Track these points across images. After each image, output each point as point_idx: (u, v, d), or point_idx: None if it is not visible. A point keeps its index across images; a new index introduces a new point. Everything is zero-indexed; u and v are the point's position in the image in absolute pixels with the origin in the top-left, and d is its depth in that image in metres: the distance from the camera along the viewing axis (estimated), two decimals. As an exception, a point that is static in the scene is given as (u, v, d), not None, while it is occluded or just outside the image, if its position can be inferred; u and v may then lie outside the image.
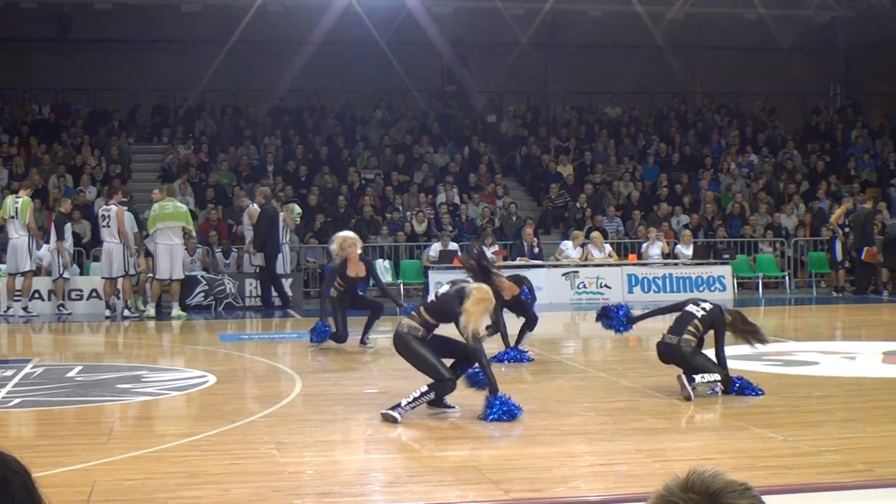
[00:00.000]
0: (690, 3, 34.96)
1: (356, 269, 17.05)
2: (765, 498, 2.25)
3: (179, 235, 23.67)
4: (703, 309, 12.32)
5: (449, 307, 10.81)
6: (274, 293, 25.08)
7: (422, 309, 11.25)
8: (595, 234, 27.94)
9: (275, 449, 9.42)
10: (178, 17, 34.28)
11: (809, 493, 7.88)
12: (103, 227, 23.51)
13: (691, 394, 11.72)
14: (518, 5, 34.77)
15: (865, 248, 27.30)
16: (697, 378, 11.89)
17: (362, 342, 17.25)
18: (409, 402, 10.75)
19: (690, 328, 12.18)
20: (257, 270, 25.35)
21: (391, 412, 10.62)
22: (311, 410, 11.48)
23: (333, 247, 17.14)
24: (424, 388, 10.82)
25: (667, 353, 12.39)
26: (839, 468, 8.55)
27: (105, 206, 23.88)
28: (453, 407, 11.20)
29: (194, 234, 24.33)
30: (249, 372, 15.26)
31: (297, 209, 26.60)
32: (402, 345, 11.12)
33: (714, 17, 37.28)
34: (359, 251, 17.11)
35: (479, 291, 10.80)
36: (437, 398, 11.00)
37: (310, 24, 33.57)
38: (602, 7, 35.30)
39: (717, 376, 12.07)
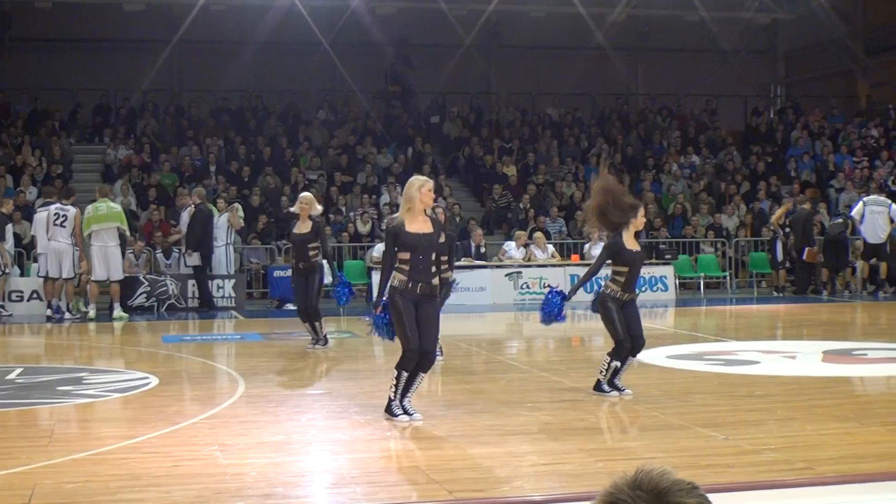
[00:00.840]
0: (633, 5, 35.16)
1: (302, 227, 16.88)
2: (707, 496, 2.27)
3: (115, 237, 23.45)
4: None
5: None
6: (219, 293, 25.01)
7: None
8: (538, 234, 28.01)
9: (217, 451, 9.38)
10: (121, 17, 34.04)
11: (750, 492, 7.94)
12: (57, 226, 23.21)
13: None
14: (461, 6, 34.82)
15: (806, 249, 27.55)
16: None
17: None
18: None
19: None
20: (192, 271, 25.24)
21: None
22: (254, 412, 11.43)
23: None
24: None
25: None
26: (779, 466, 8.62)
27: (61, 206, 23.55)
28: None
29: (128, 233, 24.08)
30: (192, 373, 15.18)
31: (241, 211, 26.51)
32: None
33: (656, 18, 37.54)
34: (311, 212, 16.93)
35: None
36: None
37: (253, 24, 33.49)
38: (545, 9, 35.42)
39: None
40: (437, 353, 12.30)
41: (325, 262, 17.29)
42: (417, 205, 10.62)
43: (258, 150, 32.46)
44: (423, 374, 10.97)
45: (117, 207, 23.96)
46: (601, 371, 12.38)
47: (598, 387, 12.39)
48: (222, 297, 25.45)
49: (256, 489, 8.05)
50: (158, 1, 33.64)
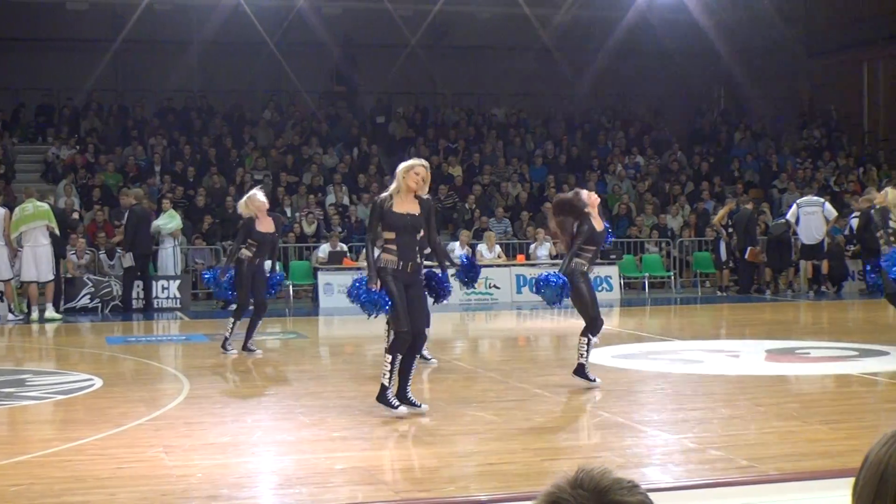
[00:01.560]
0: (577, 6, 35.29)
1: (266, 226, 16.78)
2: (651, 495, 2.30)
3: (46, 236, 23.25)
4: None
5: None
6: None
7: None
8: (488, 233, 28.05)
9: (162, 452, 9.35)
10: (64, 16, 33.80)
11: (694, 490, 8.00)
12: None
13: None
14: (407, 6, 34.81)
15: (749, 248, 27.76)
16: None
17: (246, 348, 16.68)
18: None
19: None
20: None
21: None
22: (199, 413, 11.39)
23: (241, 209, 16.62)
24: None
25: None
26: (723, 465, 8.69)
27: None
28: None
29: (57, 231, 23.77)
30: (136, 374, 15.09)
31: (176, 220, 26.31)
32: None
33: (601, 19, 37.66)
34: (267, 206, 16.86)
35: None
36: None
37: (198, 23, 33.34)
38: (490, 9, 35.49)
39: None
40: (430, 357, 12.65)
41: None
42: (402, 187, 10.86)
43: (203, 150, 32.32)
44: (416, 357, 11.14)
45: (44, 206, 23.57)
46: (581, 354, 12.66)
47: (580, 371, 12.61)
48: (167, 297, 25.32)
49: (202, 491, 8.03)
50: (102, 0, 33.41)
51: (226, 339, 16.64)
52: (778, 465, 8.66)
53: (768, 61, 40.25)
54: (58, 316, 23.16)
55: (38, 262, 23.02)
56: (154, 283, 25.37)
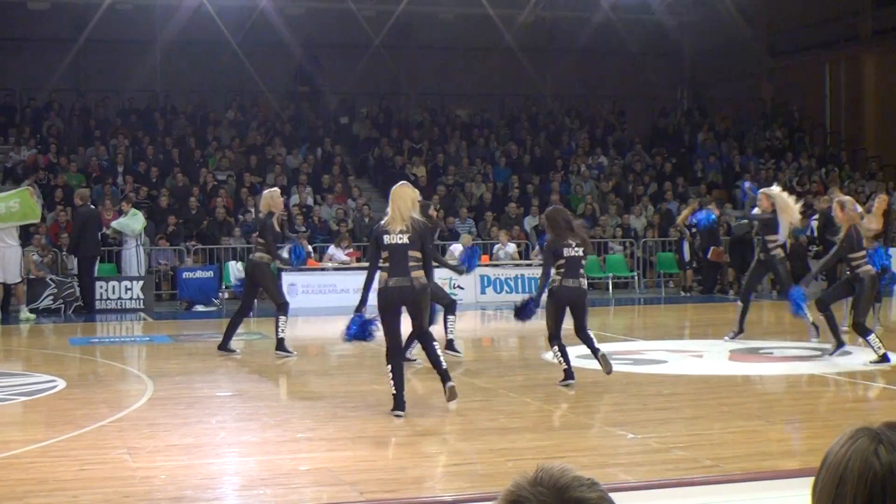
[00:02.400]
0: (541, 7, 35.36)
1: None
2: (615, 495, 2.31)
3: (14, 237, 23.13)
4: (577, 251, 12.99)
5: None
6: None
7: None
8: (465, 236, 28.03)
9: (126, 454, 9.31)
10: (25, 15, 33.57)
11: (658, 490, 8.03)
12: None
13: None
14: (370, 7, 34.78)
15: (711, 248, 27.85)
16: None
17: (227, 348, 16.65)
18: None
19: (582, 271, 13.21)
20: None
21: None
22: (162, 414, 11.34)
23: (262, 206, 16.69)
24: None
25: (576, 296, 13.25)
26: (687, 464, 8.73)
27: None
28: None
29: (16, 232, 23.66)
30: (100, 376, 15.03)
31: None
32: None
33: (564, 20, 37.79)
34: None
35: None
36: None
37: (160, 23, 33.23)
38: (454, 10, 35.51)
39: None
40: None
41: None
42: (395, 212, 11.22)
43: (166, 150, 32.18)
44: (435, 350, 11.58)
45: (15, 206, 23.49)
46: (560, 361, 12.93)
47: (567, 378, 12.86)
48: (131, 298, 25.19)
49: (165, 492, 8.00)
50: (64, -1, 33.27)
51: (281, 340, 16.48)
52: (741, 465, 8.70)
53: (731, 62, 40.50)
54: (32, 316, 23.08)
55: (5, 264, 22.93)
56: (118, 283, 25.23)
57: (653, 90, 39.89)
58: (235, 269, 25.77)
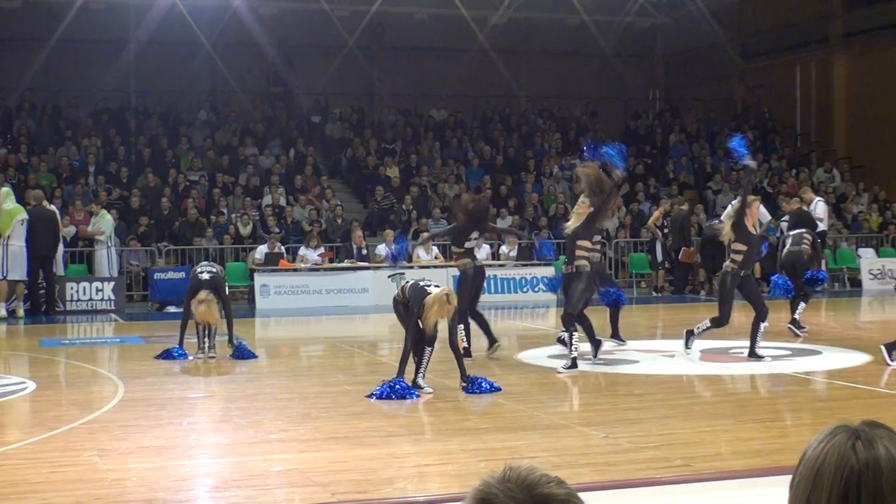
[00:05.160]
0: (514, 8, 35.40)
1: None
2: (587, 494, 2.32)
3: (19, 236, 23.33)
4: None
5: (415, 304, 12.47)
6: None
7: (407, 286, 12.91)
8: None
9: (97, 456, 9.27)
10: (-4, 14, 33.46)
11: (629, 489, 8.05)
12: None
13: None
14: (344, 7, 34.75)
15: (682, 249, 27.95)
16: None
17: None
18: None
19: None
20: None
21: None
22: (134, 416, 11.30)
23: None
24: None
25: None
26: (658, 464, 8.76)
27: None
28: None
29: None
30: (70, 377, 14.97)
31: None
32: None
33: (538, 21, 37.84)
34: None
35: (433, 298, 12.22)
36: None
37: (133, 23, 33.13)
38: (428, 10, 35.52)
39: None
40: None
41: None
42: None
43: (138, 150, 32.08)
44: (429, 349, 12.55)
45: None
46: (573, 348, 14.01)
47: (573, 364, 13.91)
48: (102, 299, 25.10)
49: (137, 494, 7.98)
50: (35, -2, 33.12)
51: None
52: (712, 464, 8.74)
53: (703, 64, 40.64)
54: (3, 314, 23.08)
55: (17, 261, 23.15)
56: (89, 284, 25.13)
57: (625, 92, 40.04)
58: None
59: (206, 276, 15.75)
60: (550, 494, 2.20)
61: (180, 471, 8.91)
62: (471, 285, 15.82)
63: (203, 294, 15.35)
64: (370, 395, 12.07)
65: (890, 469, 2.32)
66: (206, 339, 15.82)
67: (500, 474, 2.26)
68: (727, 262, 15.25)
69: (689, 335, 15.58)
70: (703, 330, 15.50)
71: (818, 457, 2.37)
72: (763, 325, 15.28)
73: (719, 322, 15.31)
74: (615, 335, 17.14)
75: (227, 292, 16.57)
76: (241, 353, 15.88)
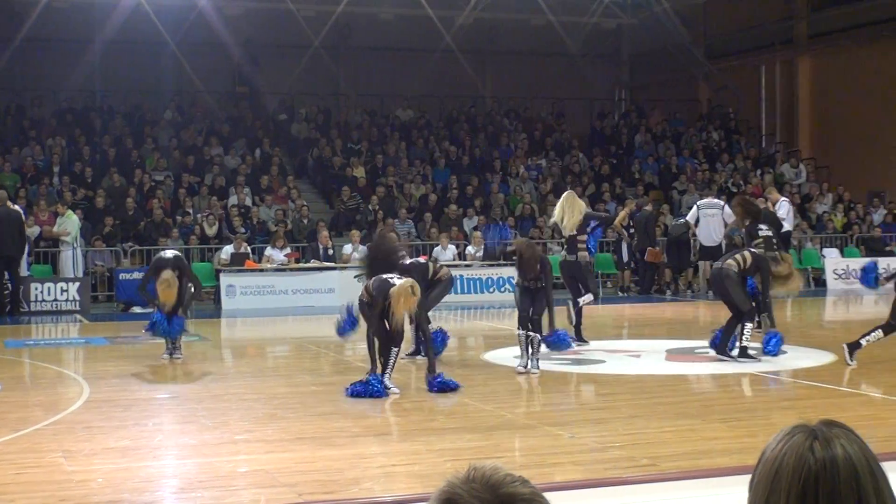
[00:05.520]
0: (480, 8, 35.43)
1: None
2: (553, 494, 2.34)
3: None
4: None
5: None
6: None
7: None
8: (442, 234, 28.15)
9: (62, 457, 9.23)
10: (-41, 13, 33.23)
11: (596, 489, 8.08)
12: None
13: None
14: (310, 7, 34.70)
15: (647, 249, 28.03)
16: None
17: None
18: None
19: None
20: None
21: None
22: (99, 417, 11.26)
23: None
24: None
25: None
26: (624, 463, 8.79)
27: None
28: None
29: None
30: (35, 379, 14.90)
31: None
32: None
33: (504, 21, 37.91)
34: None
35: (398, 289, 12.24)
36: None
37: (98, 22, 32.99)
38: (394, 10, 35.50)
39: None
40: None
41: None
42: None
43: (103, 150, 31.93)
44: (395, 349, 12.60)
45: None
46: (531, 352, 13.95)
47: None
48: (67, 300, 24.98)
49: (103, 496, 7.96)
50: (-1, -3, 32.93)
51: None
52: (678, 464, 8.77)
53: (668, 65, 40.77)
54: None
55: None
56: (53, 285, 25.02)
57: (591, 92, 40.11)
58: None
59: (169, 253, 15.75)
60: (515, 493, 2.21)
61: (146, 472, 8.88)
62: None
63: (167, 273, 15.26)
64: (347, 391, 12.26)
65: (847, 468, 2.34)
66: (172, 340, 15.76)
67: (465, 474, 2.27)
68: (728, 262, 15.27)
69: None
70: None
71: (776, 457, 2.39)
72: (749, 326, 15.35)
73: (753, 315, 15.34)
74: (578, 336, 17.21)
75: (191, 270, 16.52)
76: (174, 327, 15.67)
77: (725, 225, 27.81)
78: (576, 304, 17.23)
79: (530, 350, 13.94)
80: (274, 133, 35.17)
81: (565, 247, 17.64)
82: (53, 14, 32.51)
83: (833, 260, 30.75)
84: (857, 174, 36.14)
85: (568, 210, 17.16)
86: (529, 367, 13.89)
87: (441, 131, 36.64)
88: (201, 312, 22.60)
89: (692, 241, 28.70)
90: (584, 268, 17.31)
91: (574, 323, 17.25)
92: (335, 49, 37.12)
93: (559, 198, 30.24)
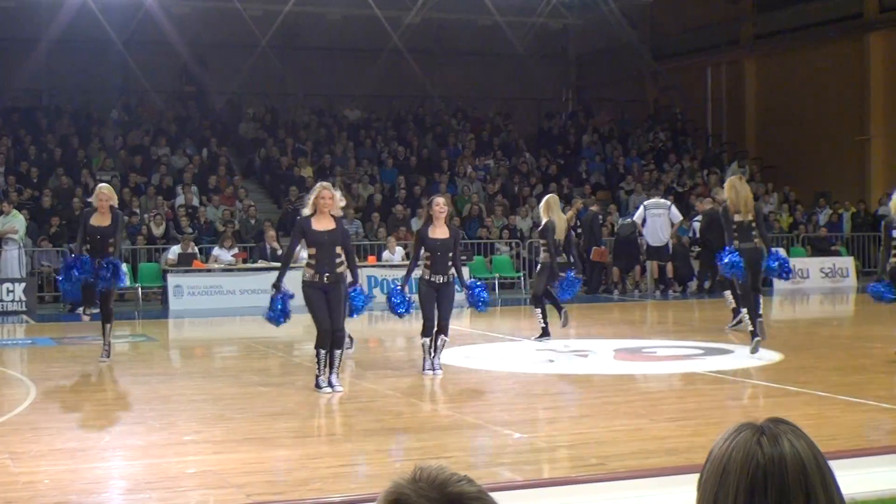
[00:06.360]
0: (427, 8, 35.44)
1: (102, 220, 16.18)
2: (502, 494, 2.36)
3: None
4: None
5: None
6: None
7: None
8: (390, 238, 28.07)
9: (8, 459, 9.16)
10: None
11: (544, 488, 8.10)
12: None
13: None
14: (257, 7, 34.60)
15: (593, 248, 28.12)
16: None
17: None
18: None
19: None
20: None
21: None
22: (45, 418, 11.18)
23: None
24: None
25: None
26: (573, 463, 8.83)
27: None
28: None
29: None
30: (-20, 380, 14.77)
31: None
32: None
33: (451, 21, 37.95)
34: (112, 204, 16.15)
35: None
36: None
37: (44, 21, 32.70)
38: (341, 10, 35.46)
39: None
40: (349, 344, 14.24)
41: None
42: (319, 207, 12.78)
43: (49, 150, 31.69)
44: (338, 351, 12.55)
45: None
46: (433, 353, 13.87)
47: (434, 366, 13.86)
48: (12, 301, 24.77)
49: (50, 497, 7.91)
50: (-57, -4, 32.62)
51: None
52: (626, 463, 8.81)
53: (615, 65, 40.98)
54: None
55: None
56: (-2, 285, 24.84)
57: (538, 92, 40.26)
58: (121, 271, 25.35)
59: None
60: (463, 492, 2.23)
61: (93, 473, 8.84)
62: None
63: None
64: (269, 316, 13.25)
65: (795, 464, 2.37)
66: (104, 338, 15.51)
67: (410, 475, 2.29)
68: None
69: None
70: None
71: (724, 454, 2.41)
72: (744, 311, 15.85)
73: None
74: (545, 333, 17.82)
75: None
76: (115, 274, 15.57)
77: (672, 224, 28.01)
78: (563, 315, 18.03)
79: (432, 352, 13.96)
80: (221, 133, 35.03)
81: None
82: (-1, 13, 32.27)
83: (779, 259, 30.92)
84: (803, 174, 36.45)
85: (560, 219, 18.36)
86: (436, 367, 13.86)
87: (389, 131, 36.64)
88: (148, 313, 22.50)
89: (639, 241, 28.84)
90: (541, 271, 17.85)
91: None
92: (283, 49, 37.02)
93: (507, 198, 30.45)
